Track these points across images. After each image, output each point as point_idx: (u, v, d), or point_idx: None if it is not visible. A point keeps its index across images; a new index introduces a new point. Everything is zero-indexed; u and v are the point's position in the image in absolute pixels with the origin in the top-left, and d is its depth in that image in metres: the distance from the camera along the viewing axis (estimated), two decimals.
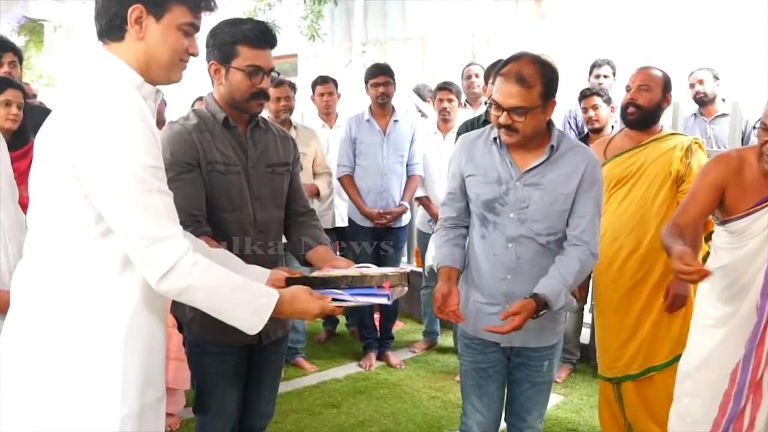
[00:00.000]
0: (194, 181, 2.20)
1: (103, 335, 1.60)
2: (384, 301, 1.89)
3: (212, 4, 1.73)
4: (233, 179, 2.27)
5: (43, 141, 1.60)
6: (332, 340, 5.39)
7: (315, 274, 2.06)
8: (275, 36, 2.28)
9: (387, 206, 4.66)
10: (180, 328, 2.51)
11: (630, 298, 3.16)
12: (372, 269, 2.09)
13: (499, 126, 2.30)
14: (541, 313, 2.27)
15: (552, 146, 2.33)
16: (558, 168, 2.34)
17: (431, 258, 4.81)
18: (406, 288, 1.99)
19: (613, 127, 4.28)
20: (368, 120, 4.67)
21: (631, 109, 3.17)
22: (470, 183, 2.46)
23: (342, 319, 5.53)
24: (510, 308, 2.11)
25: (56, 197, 1.57)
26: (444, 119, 4.86)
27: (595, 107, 4.21)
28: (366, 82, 4.69)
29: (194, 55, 1.71)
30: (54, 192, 1.57)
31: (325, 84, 5.14)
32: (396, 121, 4.70)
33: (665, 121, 4.99)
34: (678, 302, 3.06)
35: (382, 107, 4.66)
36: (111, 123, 1.49)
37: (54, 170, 1.55)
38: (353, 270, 2.08)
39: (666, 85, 3.19)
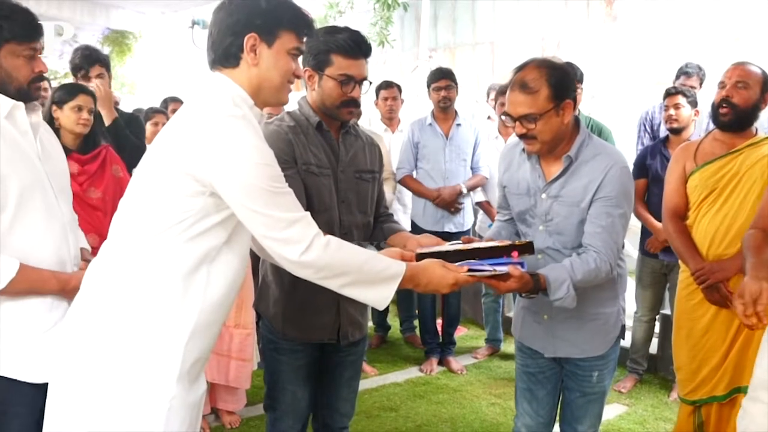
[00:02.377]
0: (294, 178, 2.25)
1: (172, 331, 1.70)
2: (519, 269, 2.01)
3: (313, 31, 1.90)
4: (324, 181, 2.33)
5: (158, 148, 1.74)
6: (393, 344, 5.38)
7: (441, 248, 2.13)
8: (370, 46, 2.33)
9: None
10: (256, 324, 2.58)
11: (725, 318, 2.89)
12: (487, 242, 2.20)
13: (519, 137, 2.28)
14: (533, 295, 2.18)
15: (569, 157, 2.26)
16: (577, 179, 2.26)
17: None
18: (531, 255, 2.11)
19: (694, 129, 4.12)
20: (431, 124, 4.67)
21: (724, 109, 2.88)
22: (507, 194, 2.48)
23: (396, 324, 5.53)
24: (511, 269, 2.02)
25: (156, 197, 1.69)
26: (505, 123, 4.80)
27: (677, 106, 4.01)
28: (428, 86, 4.70)
29: (299, 77, 1.87)
30: (155, 192, 1.70)
31: (389, 88, 5.18)
32: (459, 124, 4.68)
33: None
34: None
35: (445, 111, 4.65)
36: (240, 134, 1.65)
37: (164, 173, 1.68)
38: (482, 243, 2.19)
39: (765, 83, 2.89)
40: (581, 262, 2.19)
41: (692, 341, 3.02)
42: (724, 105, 2.89)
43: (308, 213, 1.73)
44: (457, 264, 1.94)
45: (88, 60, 3.90)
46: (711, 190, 2.92)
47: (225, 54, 1.75)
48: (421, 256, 2.00)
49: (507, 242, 2.12)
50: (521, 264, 2.02)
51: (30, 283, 1.92)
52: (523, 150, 2.37)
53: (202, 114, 1.70)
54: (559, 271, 2.17)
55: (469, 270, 1.93)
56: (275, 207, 1.66)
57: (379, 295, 1.80)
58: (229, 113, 1.68)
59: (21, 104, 1.96)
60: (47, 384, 1.97)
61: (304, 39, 1.85)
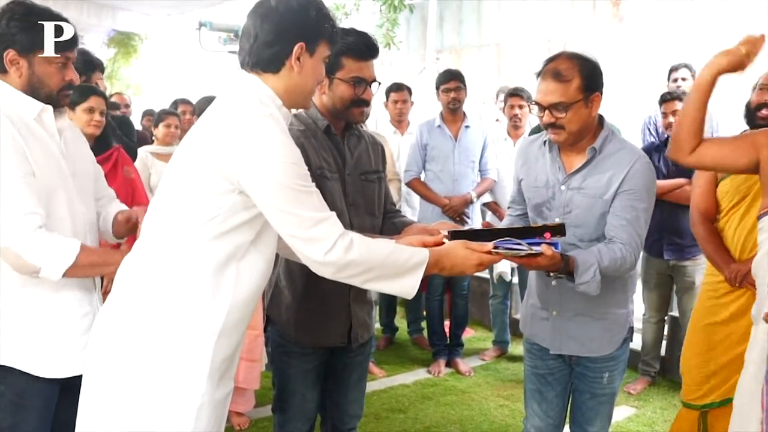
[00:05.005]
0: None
1: (202, 328, 1.72)
2: (552, 249, 2.03)
3: (338, 37, 1.91)
4: (334, 185, 2.33)
5: (188, 147, 1.76)
6: (401, 346, 5.39)
7: (475, 228, 2.14)
8: (378, 47, 2.35)
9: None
10: (264, 329, 2.58)
11: (747, 321, 2.70)
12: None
13: (546, 126, 2.29)
14: (560, 275, 2.19)
15: (594, 148, 2.29)
16: (601, 171, 2.28)
17: (499, 265, 4.77)
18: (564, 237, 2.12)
19: None
20: (439, 126, 4.67)
21: (764, 111, 2.84)
22: (523, 187, 2.49)
23: (403, 326, 5.53)
24: (544, 248, 2.03)
25: (187, 196, 1.72)
26: (515, 126, 4.81)
27: (675, 112, 4.01)
28: (437, 87, 4.69)
29: (320, 83, 1.90)
30: (186, 191, 1.72)
31: (399, 91, 5.19)
32: (467, 126, 4.67)
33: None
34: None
35: (454, 113, 4.65)
36: (260, 128, 1.67)
37: (195, 172, 1.70)
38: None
39: None
40: (608, 250, 2.21)
41: (710, 344, 2.98)
42: (765, 108, 2.85)
43: (333, 213, 1.74)
44: (494, 241, 1.94)
45: (90, 66, 3.98)
46: (743, 196, 2.90)
47: (270, 60, 1.77)
48: (454, 235, 2.00)
49: (540, 224, 2.15)
50: (555, 245, 2.05)
51: (90, 263, 1.96)
52: (544, 143, 2.40)
53: (230, 113, 1.72)
54: (588, 255, 2.19)
55: (505, 248, 1.96)
56: (302, 206, 1.67)
57: (406, 285, 1.81)
58: (256, 112, 1.70)
59: (49, 107, 2.03)
60: (63, 379, 2.03)
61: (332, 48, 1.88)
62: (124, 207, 2.34)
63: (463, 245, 1.90)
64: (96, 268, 2.01)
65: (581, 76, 2.20)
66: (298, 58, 1.77)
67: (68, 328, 2.03)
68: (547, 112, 2.23)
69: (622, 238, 2.23)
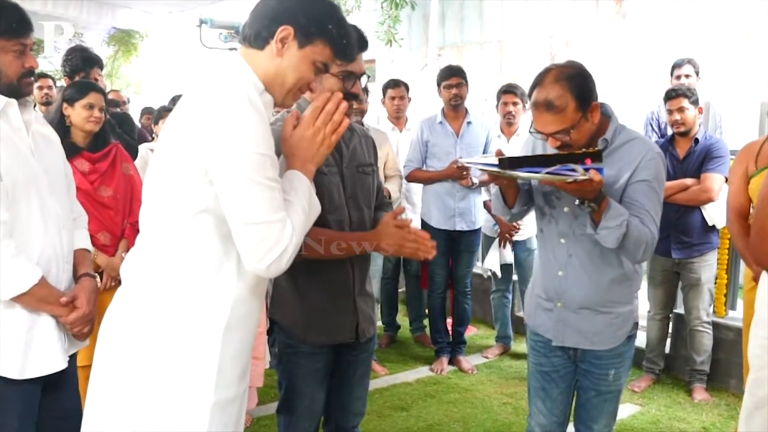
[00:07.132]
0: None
1: (207, 322, 1.68)
2: (599, 174, 2.05)
3: (352, 56, 1.84)
4: (333, 180, 2.31)
5: (169, 132, 1.68)
6: (403, 344, 5.37)
7: (522, 155, 2.22)
8: (367, 41, 2.30)
9: (462, 209, 4.62)
10: (268, 332, 2.53)
11: None
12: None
13: (554, 147, 2.26)
14: (592, 204, 2.14)
15: (606, 140, 2.27)
16: (612, 162, 2.26)
17: (489, 263, 4.82)
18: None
19: (700, 125, 4.09)
20: (441, 122, 4.64)
21: None
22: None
23: (405, 324, 5.51)
24: (593, 174, 2.01)
25: (175, 185, 1.64)
26: (508, 123, 4.77)
27: (681, 109, 3.99)
28: (438, 84, 4.66)
29: (312, 91, 1.82)
30: (174, 180, 1.65)
31: (396, 87, 5.15)
32: (469, 122, 4.65)
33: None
34: None
35: (455, 109, 4.61)
36: (232, 114, 1.57)
37: (178, 159, 1.63)
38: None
39: None
40: (639, 222, 2.20)
41: None
42: None
43: (285, 215, 1.65)
44: (540, 169, 2.00)
45: (89, 62, 3.97)
46: None
47: (256, 33, 1.71)
48: (503, 162, 2.02)
49: (580, 151, 2.16)
50: (600, 170, 2.05)
51: (42, 298, 1.98)
52: None
53: (203, 96, 1.63)
54: (622, 208, 2.18)
55: (556, 174, 2.00)
56: (250, 205, 1.58)
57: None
58: (229, 94, 1.60)
59: (14, 101, 1.97)
60: (40, 378, 2.01)
61: (339, 61, 1.80)
62: (87, 239, 2.29)
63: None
64: (45, 305, 2.00)
65: (574, 97, 2.15)
66: (282, 43, 1.69)
67: (41, 326, 2.00)
68: (551, 138, 2.21)
69: (645, 223, 2.22)
